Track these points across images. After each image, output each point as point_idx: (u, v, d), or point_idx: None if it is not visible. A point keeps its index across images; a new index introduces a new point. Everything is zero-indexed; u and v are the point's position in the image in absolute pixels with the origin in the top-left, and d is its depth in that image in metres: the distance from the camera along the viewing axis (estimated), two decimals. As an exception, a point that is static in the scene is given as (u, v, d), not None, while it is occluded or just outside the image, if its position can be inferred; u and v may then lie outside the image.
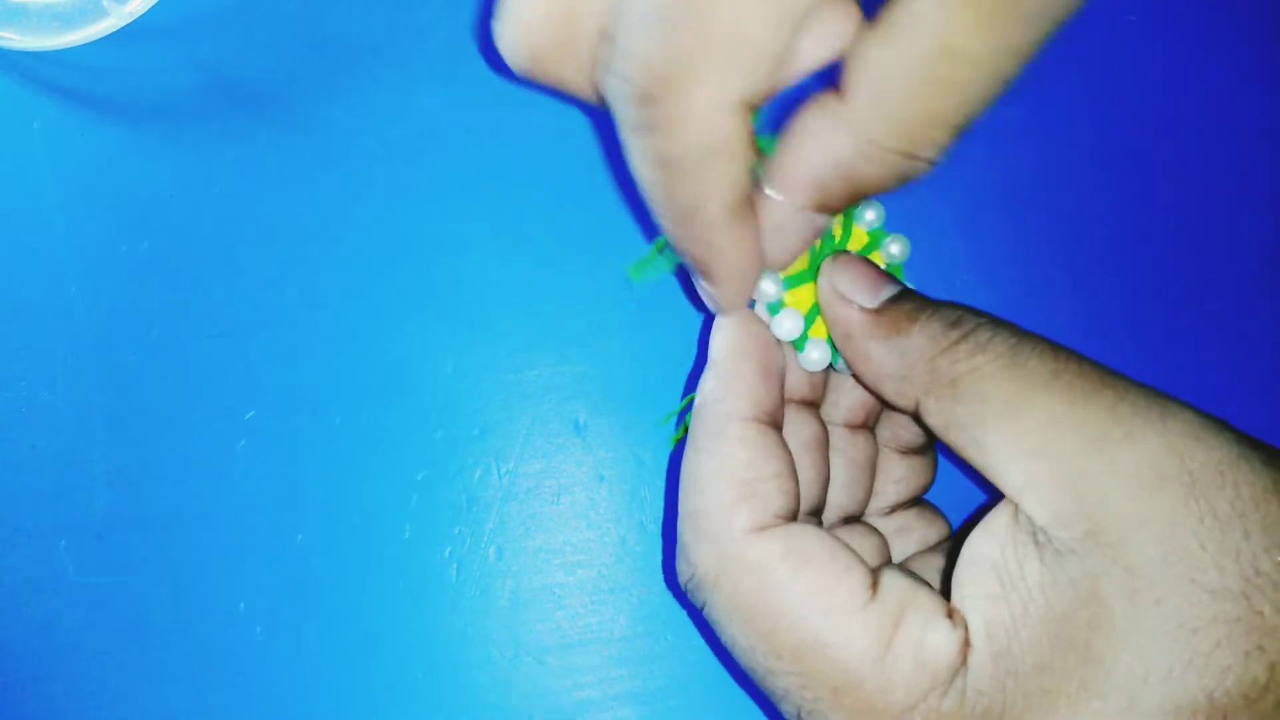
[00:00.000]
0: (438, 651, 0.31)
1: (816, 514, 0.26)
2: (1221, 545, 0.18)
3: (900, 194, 0.33)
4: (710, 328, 0.24)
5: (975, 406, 0.20)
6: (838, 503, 0.27)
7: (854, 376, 0.24)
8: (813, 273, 0.24)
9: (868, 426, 0.28)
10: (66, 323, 0.33)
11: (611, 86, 0.19)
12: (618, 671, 0.31)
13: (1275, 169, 0.35)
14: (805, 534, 0.21)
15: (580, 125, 0.34)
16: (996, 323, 0.21)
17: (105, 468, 0.32)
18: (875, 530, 0.27)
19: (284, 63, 0.34)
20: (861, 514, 0.28)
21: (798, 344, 0.24)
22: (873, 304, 0.22)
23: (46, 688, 0.31)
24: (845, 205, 0.22)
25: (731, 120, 0.19)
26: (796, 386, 0.26)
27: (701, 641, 0.31)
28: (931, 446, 0.29)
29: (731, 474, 0.22)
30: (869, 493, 0.28)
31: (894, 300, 0.22)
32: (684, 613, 0.31)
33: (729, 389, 0.23)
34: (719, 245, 0.21)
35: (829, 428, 0.27)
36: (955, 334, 0.21)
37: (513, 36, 0.20)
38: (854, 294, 0.23)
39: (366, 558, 0.31)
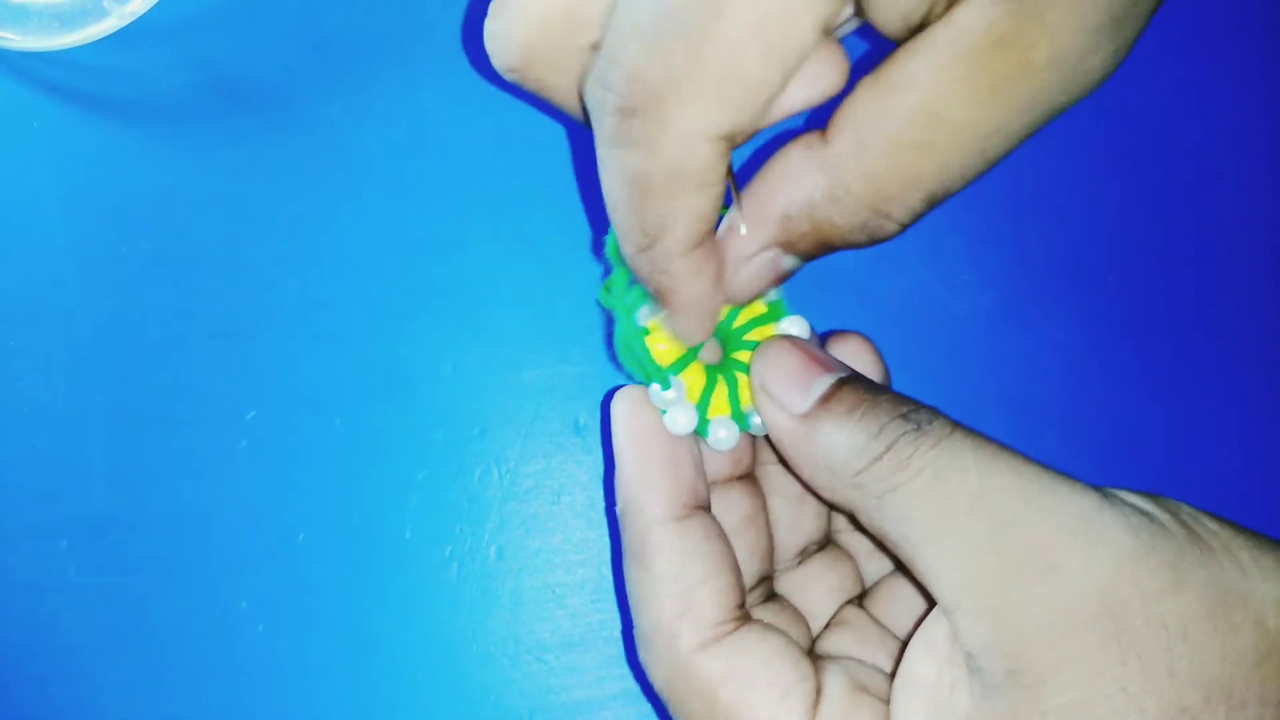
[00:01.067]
0: (438, 650, 0.31)
1: (766, 579, 0.25)
2: (1144, 686, 0.17)
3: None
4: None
5: (901, 528, 0.20)
6: (794, 544, 0.26)
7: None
8: (694, 353, 0.23)
9: None
10: (66, 323, 0.33)
11: (594, 94, 0.19)
12: (617, 670, 0.31)
13: (1277, 168, 0.35)
14: (749, 651, 0.21)
15: (580, 125, 0.34)
16: (922, 430, 0.20)
17: (105, 468, 0.32)
18: (842, 554, 0.27)
19: (284, 63, 0.34)
20: (824, 538, 0.27)
21: (700, 430, 0.23)
22: (803, 409, 0.21)
23: (47, 688, 0.31)
24: (809, 251, 0.21)
25: (710, 150, 0.18)
26: (719, 467, 0.25)
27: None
28: None
29: (663, 589, 0.22)
30: (822, 518, 0.27)
31: (825, 400, 0.21)
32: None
33: (641, 493, 0.22)
34: (678, 274, 0.20)
35: (769, 468, 0.26)
36: (878, 448, 0.20)
37: (505, 37, 0.20)
38: (782, 395, 0.22)
39: (367, 557, 0.31)
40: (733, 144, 0.19)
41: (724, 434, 0.23)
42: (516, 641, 0.31)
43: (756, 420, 0.23)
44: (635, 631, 0.23)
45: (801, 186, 0.20)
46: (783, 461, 0.23)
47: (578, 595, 0.31)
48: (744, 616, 0.22)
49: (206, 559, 0.31)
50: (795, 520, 0.26)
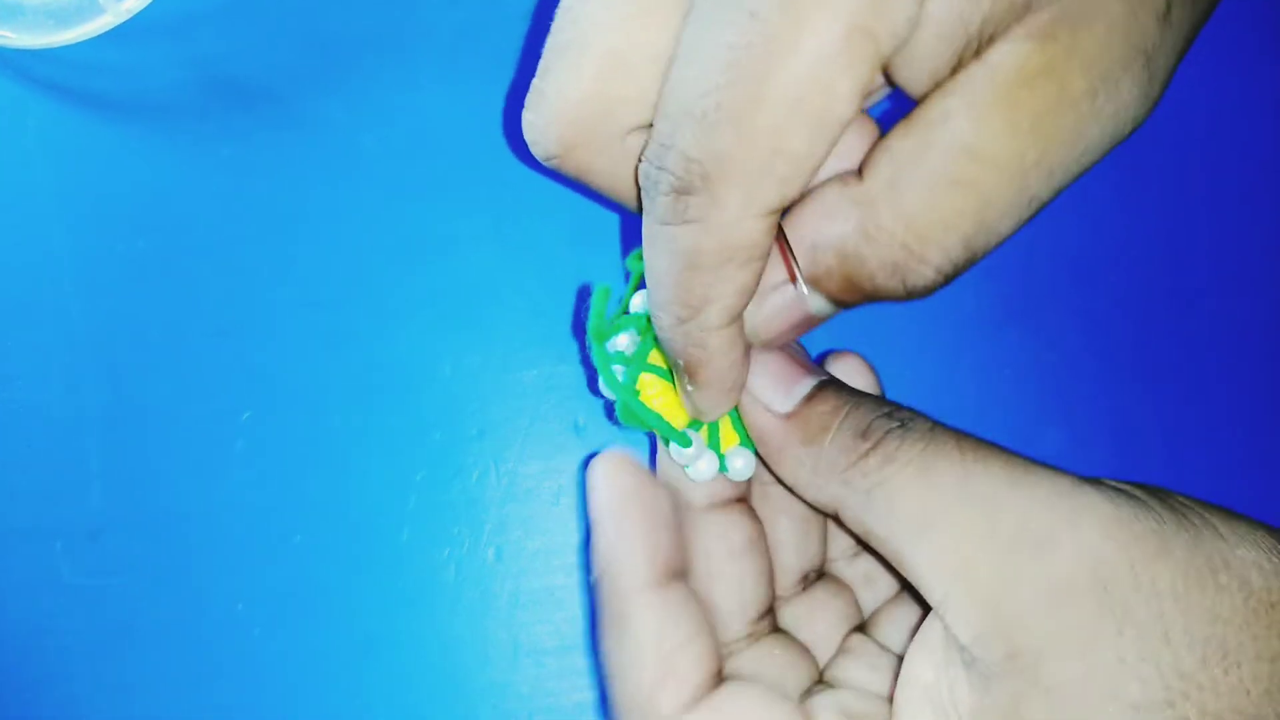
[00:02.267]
0: (436, 653, 0.31)
1: (769, 612, 0.25)
2: (1141, 654, 0.17)
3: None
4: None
5: (888, 522, 0.20)
6: (794, 566, 0.26)
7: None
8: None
9: None
10: (62, 322, 0.32)
11: (649, 175, 0.19)
12: (617, 673, 0.31)
13: (1278, 167, 0.35)
14: (733, 707, 0.21)
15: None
16: (906, 426, 0.20)
17: (101, 468, 0.32)
18: (841, 584, 0.27)
19: (281, 60, 0.34)
20: (822, 565, 0.27)
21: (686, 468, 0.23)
22: (786, 408, 0.22)
23: (42, 690, 0.31)
24: (837, 293, 0.20)
25: (760, 225, 0.19)
26: (720, 489, 0.25)
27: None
28: None
29: (644, 653, 0.21)
30: (823, 542, 0.27)
31: (809, 400, 0.22)
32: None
33: (621, 559, 0.22)
34: (713, 347, 0.21)
35: (770, 490, 0.26)
36: (864, 445, 0.20)
37: (544, 126, 0.20)
38: (767, 395, 0.22)
39: (365, 559, 0.31)
40: (778, 215, 0.19)
41: (741, 464, 0.23)
42: (515, 644, 0.31)
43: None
44: (611, 701, 0.22)
45: (833, 220, 0.19)
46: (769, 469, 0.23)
47: (577, 597, 0.31)
48: (722, 677, 0.22)
49: (203, 560, 0.31)
50: (799, 542, 0.26)
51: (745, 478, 0.24)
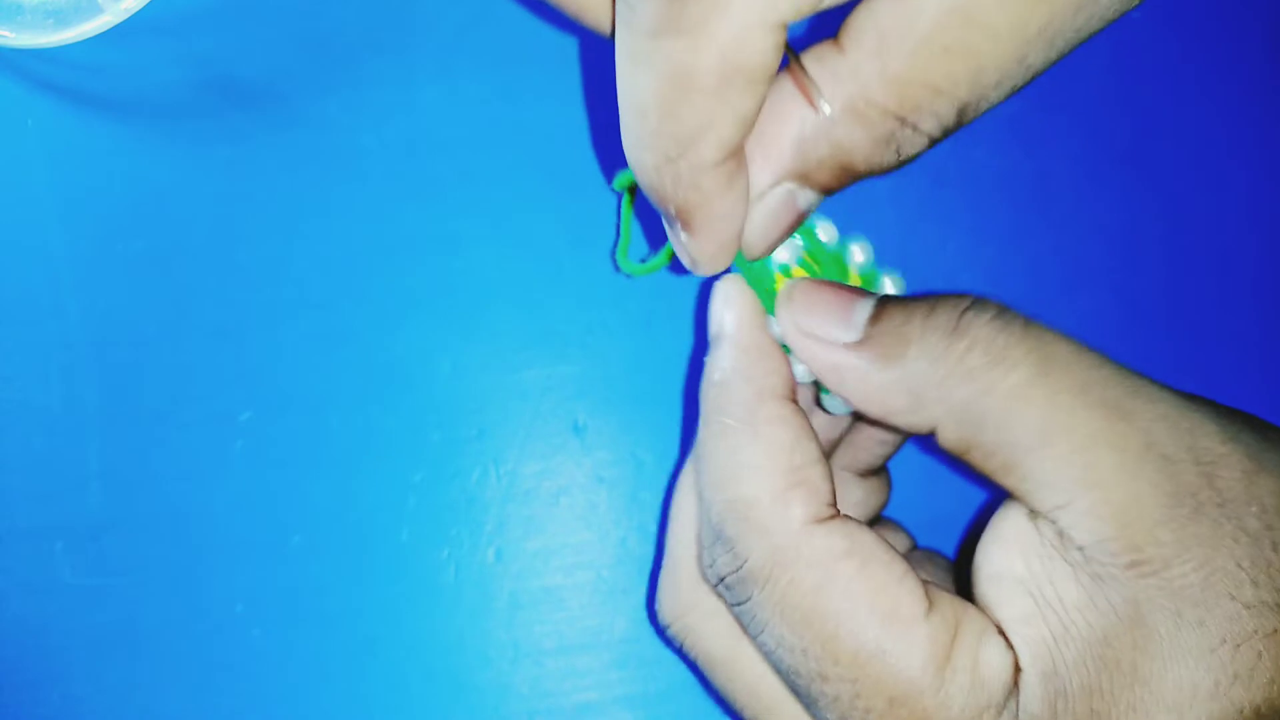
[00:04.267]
0: (436, 654, 0.31)
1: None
2: (1254, 560, 0.18)
3: (899, 197, 0.33)
4: (707, 302, 0.22)
5: (1000, 434, 0.19)
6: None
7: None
8: None
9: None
10: (61, 322, 0.32)
11: None
12: (617, 674, 0.31)
13: (1278, 167, 0.35)
14: (862, 531, 0.20)
15: (579, 122, 0.34)
16: (1001, 320, 0.19)
17: (100, 469, 0.32)
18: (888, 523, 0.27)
19: (280, 59, 0.34)
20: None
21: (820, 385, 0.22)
22: (854, 335, 0.20)
23: (42, 690, 0.31)
24: (829, 182, 0.19)
25: (768, 40, 0.16)
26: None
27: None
28: (885, 467, 0.28)
29: (777, 459, 0.20)
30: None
31: (876, 319, 0.20)
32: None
33: (755, 364, 0.21)
34: (709, 188, 0.18)
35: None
36: (961, 345, 0.19)
37: None
38: (827, 330, 0.20)
39: (364, 560, 0.31)
40: (785, 32, 0.17)
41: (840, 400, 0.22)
42: (515, 645, 0.31)
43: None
44: (718, 508, 0.21)
45: (819, 103, 0.18)
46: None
47: (577, 598, 0.31)
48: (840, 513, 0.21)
49: (202, 561, 0.31)
50: (864, 497, 0.27)
51: (842, 412, 0.23)
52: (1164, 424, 0.19)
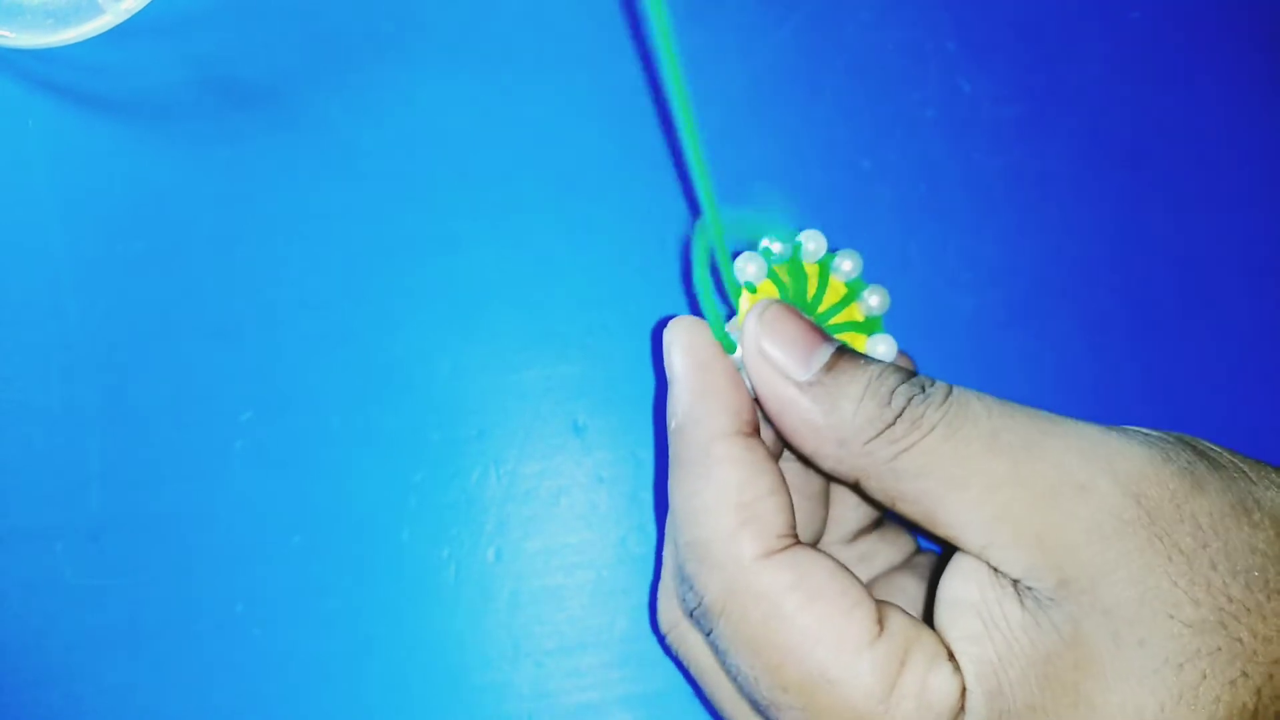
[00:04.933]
0: (436, 654, 0.31)
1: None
2: (1191, 579, 0.18)
3: (899, 196, 0.33)
4: (660, 344, 0.23)
5: (918, 483, 0.20)
6: (855, 521, 0.27)
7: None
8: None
9: None
10: (61, 323, 0.32)
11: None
12: (617, 674, 0.31)
13: (1278, 167, 0.35)
14: (813, 562, 0.21)
15: (579, 122, 0.34)
16: (927, 390, 0.21)
17: (101, 468, 0.32)
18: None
19: (280, 59, 0.34)
20: (816, 544, 0.27)
21: None
22: (805, 376, 0.21)
23: (43, 691, 0.31)
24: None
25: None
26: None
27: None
28: None
29: (727, 499, 0.21)
30: (824, 523, 0.27)
31: (828, 369, 0.21)
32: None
33: (705, 406, 0.22)
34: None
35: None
36: (890, 414, 0.20)
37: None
38: (785, 363, 0.21)
39: (364, 560, 0.31)
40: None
41: None
42: (515, 645, 0.31)
43: None
44: (682, 548, 0.22)
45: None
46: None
47: (577, 598, 0.31)
48: (798, 541, 0.22)
49: (202, 561, 0.31)
50: (803, 523, 0.26)
51: None
52: (1076, 455, 0.19)
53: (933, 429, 0.20)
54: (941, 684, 0.19)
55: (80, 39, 0.32)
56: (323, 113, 0.34)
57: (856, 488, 0.22)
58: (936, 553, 0.28)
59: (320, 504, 0.31)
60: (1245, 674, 0.18)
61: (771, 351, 0.22)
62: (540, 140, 0.34)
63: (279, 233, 0.33)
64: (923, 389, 0.21)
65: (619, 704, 0.31)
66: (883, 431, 0.20)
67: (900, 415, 0.20)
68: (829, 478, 0.26)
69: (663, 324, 0.23)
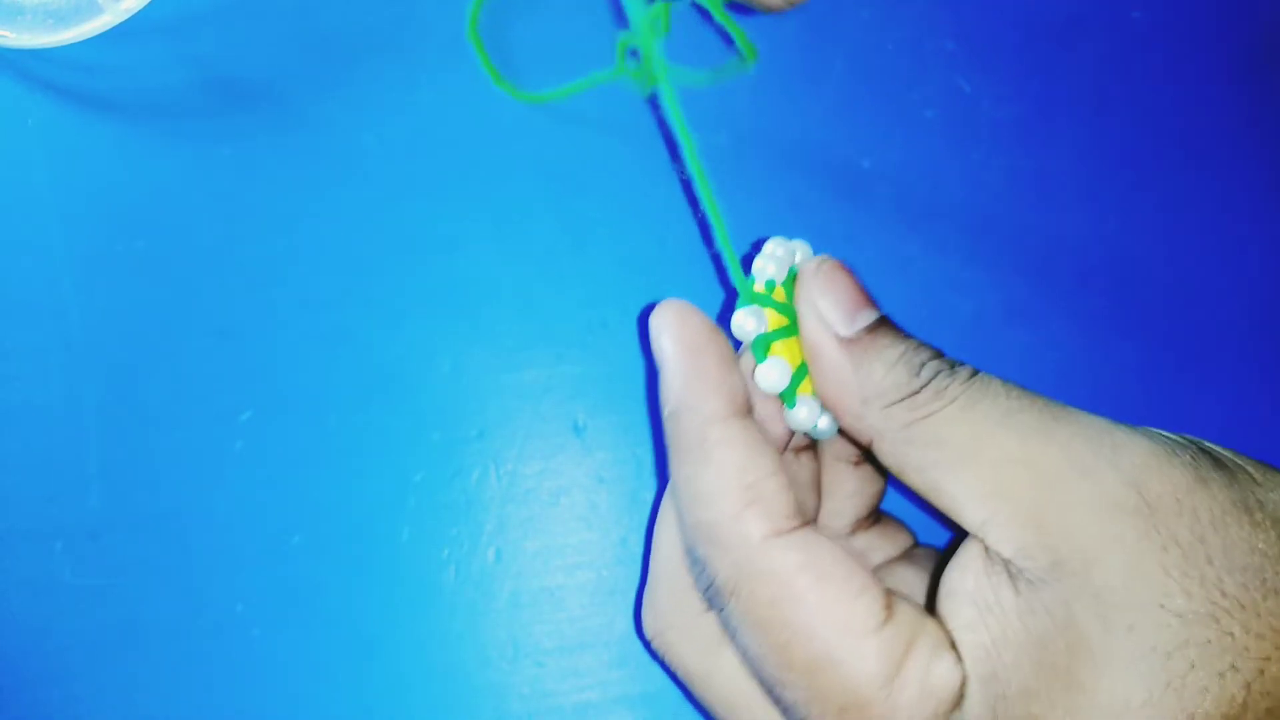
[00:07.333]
0: (436, 654, 0.31)
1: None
2: (1186, 570, 0.18)
3: (899, 196, 0.33)
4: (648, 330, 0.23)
5: (930, 452, 0.21)
6: (851, 511, 0.27)
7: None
8: (796, 328, 0.23)
9: (810, 447, 0.27)
10: (61, 322, 0.32)
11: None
12: (617, 674, 0.31)
13: (1278, 167, 0.35)
14: (821, 545, 0.21)
15: (579, 122, 0.34)
16: (955, 368, 0.22)
17: (101, 469, 0.32)
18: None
19: (280, 59, 0.34)
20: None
21: (786, 399, 0.23)
22: (847, 332, 0.22)
23: (42, 691, 0.31)
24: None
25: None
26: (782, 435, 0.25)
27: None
28: None
29: (729, 481, 0.21)
30: (816, 513, 0.27)
31: (869, 331, 0.22)
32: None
33: (697, 390, 0.22)
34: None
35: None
36: (917, 383, 0.21)
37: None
38: (830, 315, 0.22)
39: (364, 560, 0.31)
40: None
41: (804, 415, 0.24)
42: (515, 645, 0.31)
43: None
44: (691, 528, 0.22)
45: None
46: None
47: (577, 598, 0.31)
48: (805, 523, 0.22)
49: (202, 561, 0.31)
50: (859, 486, 0.27)
51: (802, 428, 0.24)
52: (1084, 442, 0.20)
53: (953, 401, 0.21)
54: (945, 672, 0.19)
55: (80, 39, 0.32)
56: (323, 113, 0.34)
57: (868, 453, 0.22)
58: (936, 549, 0.28)
59: (320, 504, 0.31)
60: (1235, 668, 0.18)
61: (820, 302, 0.23)
62: (540, 140, 0.34)
63: (279, 232, 0.33)
64: (951, 367, 0.22)
65: (619, 704, 0.31)
66: (906, 398, 0.21)
67: (926, 385, 0.21)
68: (821, 470, 0.27)
69: (649, 310, 0.23)
